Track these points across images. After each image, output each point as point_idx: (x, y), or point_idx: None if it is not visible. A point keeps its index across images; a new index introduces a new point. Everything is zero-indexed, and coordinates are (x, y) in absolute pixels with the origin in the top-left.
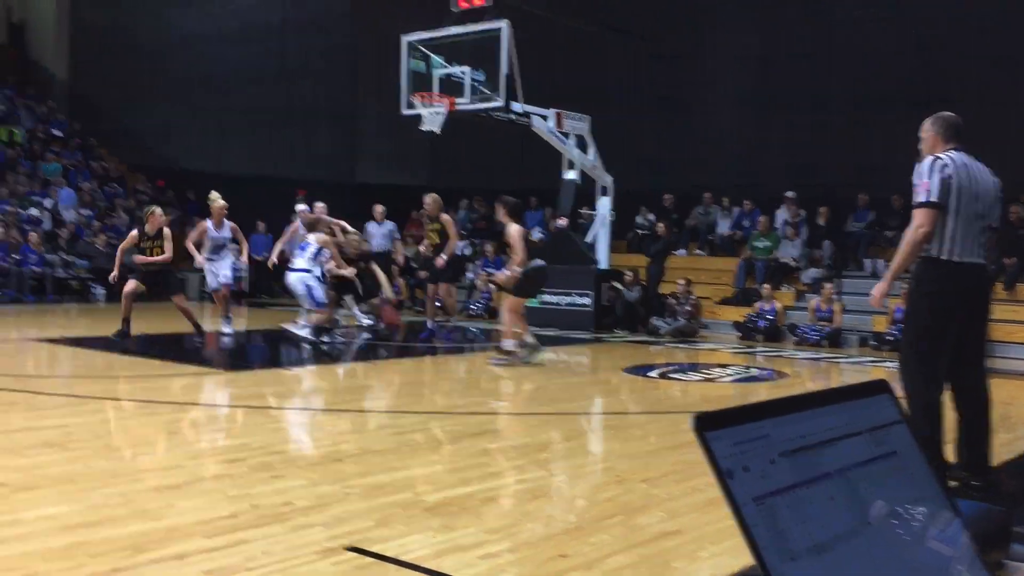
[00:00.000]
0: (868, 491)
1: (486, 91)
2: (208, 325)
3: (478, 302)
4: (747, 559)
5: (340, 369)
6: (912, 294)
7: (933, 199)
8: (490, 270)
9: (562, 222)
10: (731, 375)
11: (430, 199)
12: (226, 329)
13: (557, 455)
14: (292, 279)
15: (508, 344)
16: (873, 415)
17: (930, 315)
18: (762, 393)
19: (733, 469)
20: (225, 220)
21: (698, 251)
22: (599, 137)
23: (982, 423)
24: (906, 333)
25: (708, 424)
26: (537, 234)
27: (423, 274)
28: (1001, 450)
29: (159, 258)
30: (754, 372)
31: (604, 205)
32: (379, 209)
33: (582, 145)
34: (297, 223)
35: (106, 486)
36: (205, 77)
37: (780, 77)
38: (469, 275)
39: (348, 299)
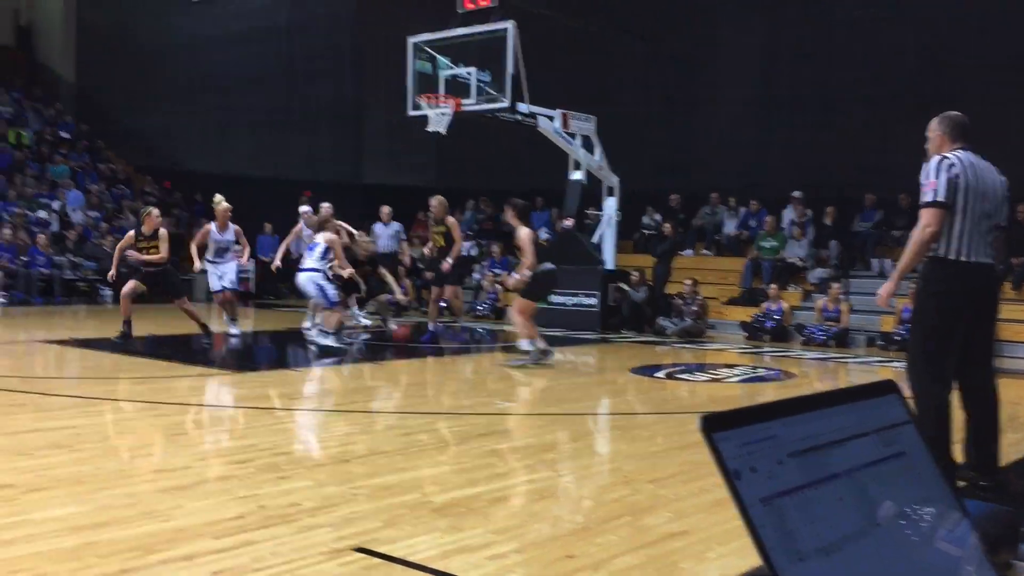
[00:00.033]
0: (876, 492)
1: (492, 92)
2: (212, 326)
3: (484, 303)
4: (755, 560)
5: (346, 370)
6: (920, 294)
7: (940, 199)
8: (496, 271)
9: (568, 223)
10: (738, 375)
11: (436, 201)
12: (233, 331)
13: (564, 456)
14: (302, 279)
15: (524, 344)
16: (881, 416)
17: (938, 315)
18: (769, 393)
19: (741, 470)
20: (229, 223)
21: (704, 251)
22: (605, 137)
23: (990, 423)
24: (914, 333)
25: (715, 425)
26: (543, 235)
27: (429, 275)
28: (1009, 450)
29: (153, 257)
30: (761, 372)
31: (610, 205)
32: (385, 210)
33: (588, 145)
34: (300, 224)
35: (114, 487)
36: (212, 79)
37: (787, 77)
38: (475, 276)
39: (350, 299)
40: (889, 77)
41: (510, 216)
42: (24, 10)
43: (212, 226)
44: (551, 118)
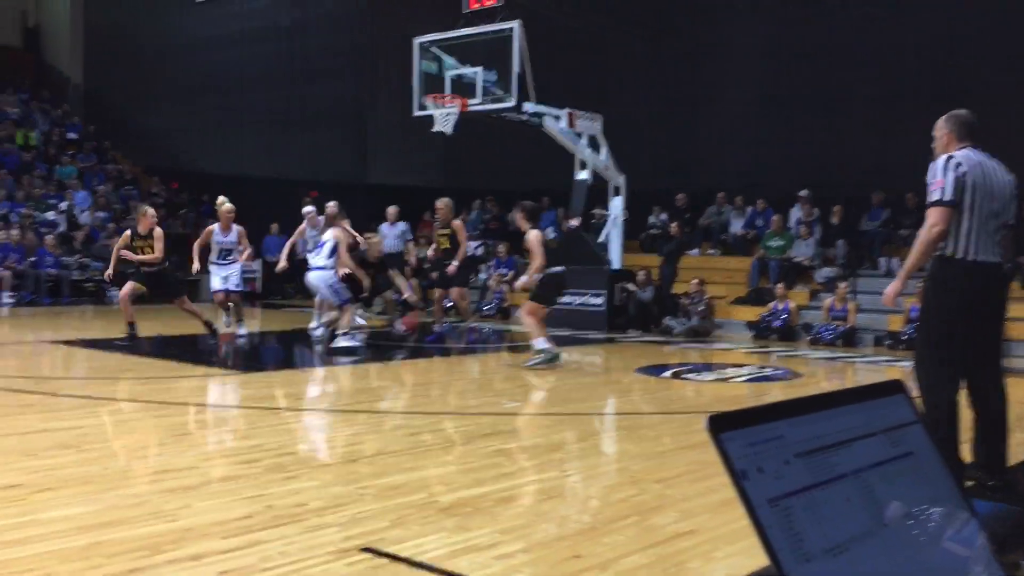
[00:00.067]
0: (884, 492)
1: (498, 92)
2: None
3: (490, 303)
4: (762, 560)
5: (353, 370)
6: (927, 293)
7: (947, 198)
8: (503, 271)
9: (574, 222)
10: (745, 375)
11: (442, 203)
12: (240, 331)
13: (571, 455)
14: (313, 279)
15: (540, 343)
16: (889, 415)
17: (945, 314)
18: (776, 393)
19: (748, 470)
20: (233, 224)
21: (711, 251)
22: (611, 137)
23: (998, 422)
24: (921, 332)
25: (722, 425)
26: (550, 234)
27: (434, 275)
28: (1018, 450)
29: (148, 257)
30: (768, 372)
31: (616, 205)
32: (391, 210)
33: (594, 145)
34: (304, 225)
35: (122, 487)
36: (218, 79)
37: (793, 75)
38: (482, 276)
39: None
40: (895, 75)
41: (519, 218)
42: (32, 12)
43: (215, 228)
44: (557, 117)
